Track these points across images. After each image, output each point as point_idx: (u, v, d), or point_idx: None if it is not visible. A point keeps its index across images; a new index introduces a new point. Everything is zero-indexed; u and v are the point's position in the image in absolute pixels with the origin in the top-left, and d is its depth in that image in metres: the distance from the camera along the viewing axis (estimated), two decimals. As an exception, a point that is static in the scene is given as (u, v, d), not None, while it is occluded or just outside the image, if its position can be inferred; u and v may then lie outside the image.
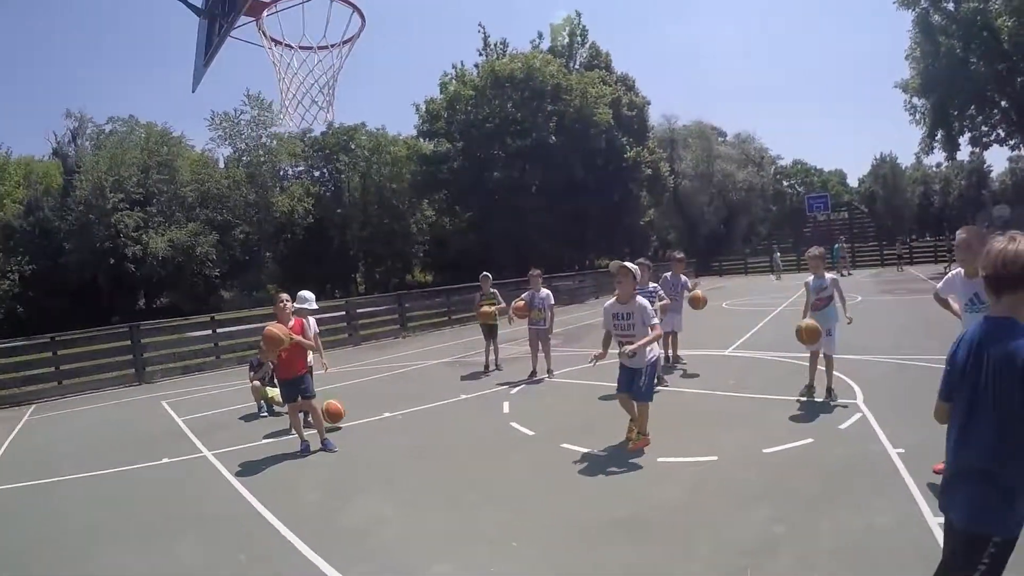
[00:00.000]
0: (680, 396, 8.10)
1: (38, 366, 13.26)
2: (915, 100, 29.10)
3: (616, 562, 3.98)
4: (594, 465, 5.76)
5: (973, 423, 2.26)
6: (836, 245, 34.06)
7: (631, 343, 5.80)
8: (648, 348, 5.91)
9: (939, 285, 5.14)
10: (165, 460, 7.12)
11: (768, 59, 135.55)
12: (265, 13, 5.32)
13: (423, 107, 38.98)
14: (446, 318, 20.24)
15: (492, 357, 11.15)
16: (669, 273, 9.93)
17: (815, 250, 7.53)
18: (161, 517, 5.35)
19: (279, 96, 6.07)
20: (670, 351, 10.05)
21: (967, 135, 29.16)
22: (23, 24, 73.49)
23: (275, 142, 44.73)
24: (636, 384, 5.96)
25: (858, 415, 6.58)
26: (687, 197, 50.44)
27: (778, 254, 35.73)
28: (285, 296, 6.99)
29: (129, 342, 13.64)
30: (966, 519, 2.26)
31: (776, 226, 53.77)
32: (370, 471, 6.21)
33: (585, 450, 6.14)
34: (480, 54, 41.69)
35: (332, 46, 5.73)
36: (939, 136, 28.68)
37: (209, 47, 6.09)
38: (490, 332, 11.10)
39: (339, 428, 7.74)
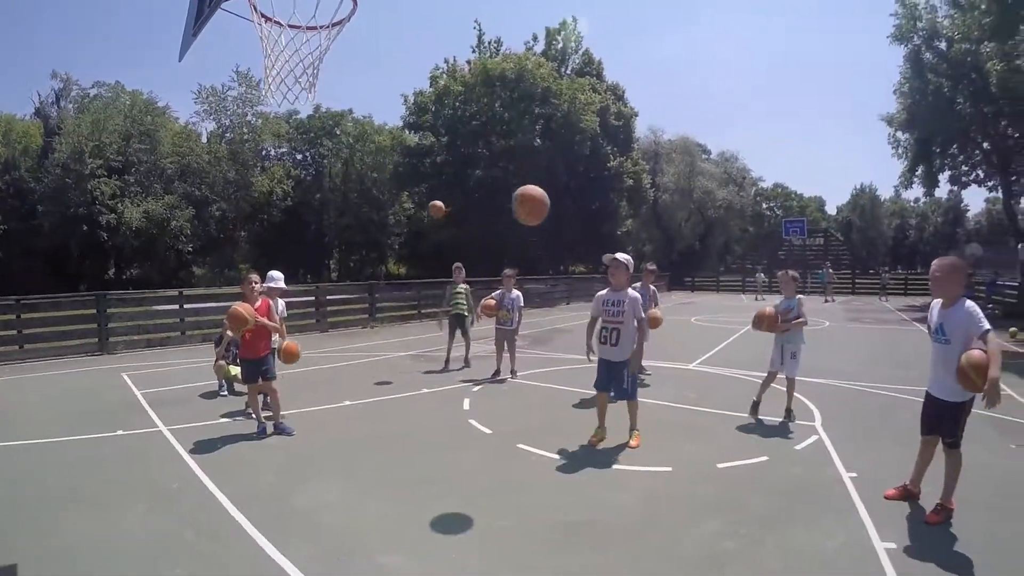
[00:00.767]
0: (640, 406, 8.05)
1: (1, 328, 12.89)
2: (899, 134, 29.46)
3: (564, 564, 3.93)
4: (548, 468, 5.71)
5: None
6: (821, 271, 34.51)
7: (618, 330, 6.04)
8: (632, 341, 6.11)
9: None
10: (120, 432, 6.93)
11: (758, 81, 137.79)
12: (258, -15, 5.18)
13: (411, 99, 38.66)
14: (415, 312, 20.10)
15: (456, 354, 11.01)
16: (639, 284, 9.92)
17: (788, 272, 7.58)
18: (111, 489, 5.22)
19: (263, 72, 5.94)
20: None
21: (947, 173, 29.63)
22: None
23: (260, 121, 44.05)
24: (619, 385, 6.16)
25: (814, 437, 6.60)
26: (666, 210, 50.76)
27: (761, 274, 35.97)
28: (255, 277, 6.94)
29: (95, 311, 13.31)
30: None
31: (752, 247, 54.31)
32: (325, 457, 6.10)
33: (541, 452, 6.09)
34: (473, 51, 41.46)
35: (321, 27, 5.62)
36: (920, 171, 29.02)
37: (199, 16, 5.92)
38: (458, 325, 10.93)
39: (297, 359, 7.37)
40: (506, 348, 10.03)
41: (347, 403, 8.33)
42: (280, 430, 6.81)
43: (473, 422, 7.29)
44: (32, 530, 4.46)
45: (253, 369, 6.81)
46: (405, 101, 38.81)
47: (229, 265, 43.17)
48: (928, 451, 4.78)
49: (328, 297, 18.46)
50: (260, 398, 7.03)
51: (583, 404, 8.15)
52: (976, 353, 4.14)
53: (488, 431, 6.93)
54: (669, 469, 5.60)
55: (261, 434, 6.72)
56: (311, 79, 5.97)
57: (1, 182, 36.80)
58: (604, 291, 6.38)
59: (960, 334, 4.34)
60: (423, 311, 20.10)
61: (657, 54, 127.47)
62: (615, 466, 5.69)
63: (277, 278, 7.70)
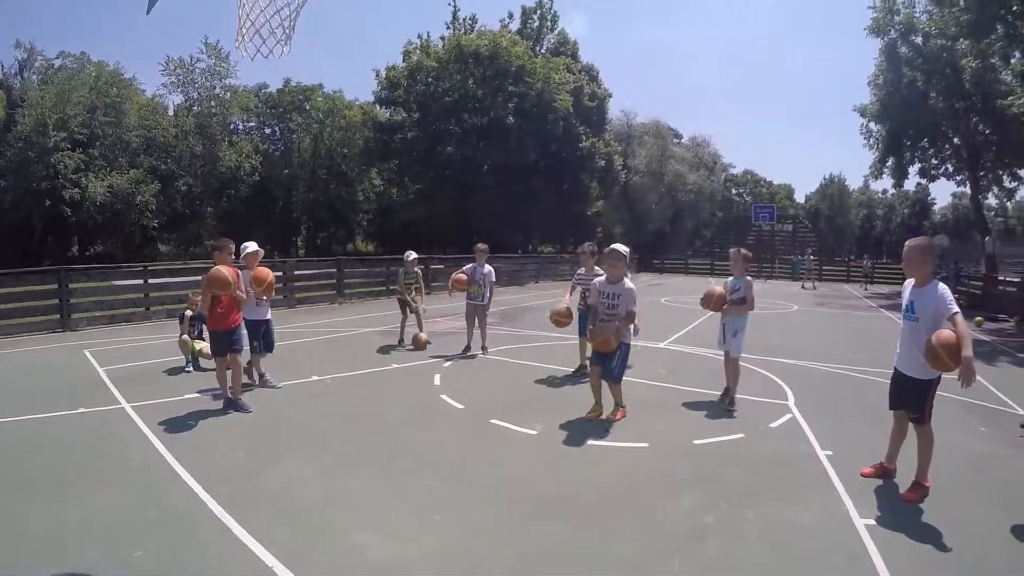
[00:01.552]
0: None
1: (-41, 304, 12.25)
2: (872, 125, 29.71)
3: (540, 540, 3.83)
4: (524, 443, 5.60)
5: None
6: (800, 256, 34.60)
7: (614, 321, 6.12)
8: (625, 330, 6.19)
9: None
10: (82, 409, 6.61)
11: (734, 68, 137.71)
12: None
13: (383, 73, 37.96)
14: (384, 288, 19.80)
15: (415, 331, 10.77)
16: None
17: (740, 251, 7.12)
18: (73, 468, 4.96)
19: (237, 21, 5.62)
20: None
21: (917, 166, 29.95)
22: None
23: (229, 94, 42.77)
24: (608, 365, 6.15)
25: (788, 416, 6.60)
26: (637, 193, 50.85)
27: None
28: (231, 243, 6.73)
29: (56, 286, 12.75)
30: None
31: (721, 232, 54.66)
32: (294, 434, 5.89)
33: (515, 428, 5.98)
34: (448, 27, 40.89)
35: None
36: (890, 163, 29.36)
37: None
38: (407, 306, 10.66)
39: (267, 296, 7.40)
40: (477, 324, 9.87)
41: (315, 378, 8.09)
42: (238, 406, 6.57)
43: (445, 397, 7.14)
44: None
45: (224, 341, 6.54)
46: (377, 76, 38.09)
47: (195, 242, 41.99)
48: (900, 427, 4.80)
49: (296, 272, 18.07)
50: (228, 374, 6.77)
51: (555, 381, 8.06)
52: (946, 333, 4.18)
53: (460, 406, 6.79)
54: (646, 445, 5.53)
55: (228, 408, 6.49)
56: (288, 31, 5.69)
57: (-38, 155, 35.19)
58: (601, 279, 6.43)
59: (930, 314, 4.38)
60: (391, 287, 19.81)
61: (632, 37, 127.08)
62: (590, 441, 5.60)
63: (253, 247, 7.55)
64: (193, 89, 41.95)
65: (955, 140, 28.09)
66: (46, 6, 74.06)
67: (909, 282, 4.69)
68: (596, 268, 8.07)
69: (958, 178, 30.48)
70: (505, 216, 35.12)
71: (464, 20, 40.75)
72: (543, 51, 40.58)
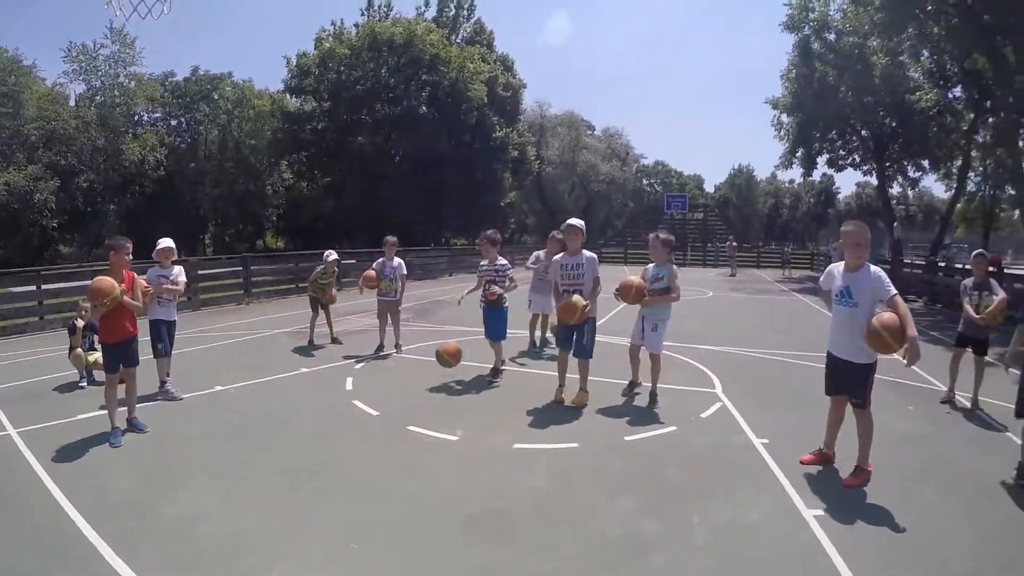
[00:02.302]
0: (534, 379, 7.65)
1: None
2: (783, 117, 31.22)
3: (474, 559, 3.44)
4: (444, 451, 5.14)
5: None
6: (721, 245, 35.12)
7: (580, 291, 6.10)
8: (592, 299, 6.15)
9: (821, 279, 4.89)
10: (-46, 436, 5.65)
11: (645, 61, 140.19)
12: None
13: (294, 60, 36.39)
14: (293, 285, 18.81)
15: (328, 331, 10.19)
16: (543, 252, 9.48)
17: (659, 236, 6.61)
18: None
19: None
20: (537, 333, 9.73)
21: (826, 156, 31.60)
22: None
23: (134, 83, 39.81)
24: (579, 342, 6.16)
25: (718, 404, 6.42)
26: (550, 183, 51.07)
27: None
28: (127, 241, 5.88)
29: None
30: None
31: (633, 221, 55.51)
32: (194, 455, 5.17)
33: (435, 434, 5.50)
34: (362, 14, 39.59)
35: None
36: (800, 153, 30.84)
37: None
38: (319, 304, 10.14)
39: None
40: (390, 321, 9.30)
41: (218, 388, 7.32)
42: (133, 425, 5.78)
43: (358, 403, 6.56)
44: None
45: (116, 354, 5.70)
46: (288, 63, 36.51)
47: (97, 242, 38.96)
48: (837, 412, 4.68)
49: (200, 272, 16.85)
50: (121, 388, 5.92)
51: (474, 380, 7.57)
52: (887, 316, 4.10)
53: (375, 412, 6.24)
54: (576, 445, 5.17)
55: (117, 437, 5.59)
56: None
57: None
58: (560, 255, 6.41)
59: (868, 298, 4.27)
60: (301, 284, 18.85)
61: (549, 27, 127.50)
62: (517, 445, 5.19)
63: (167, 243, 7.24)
64: (96, 77, 38.84)
65: (863, 132, 29.55)
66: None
67: (835, 266, 4.57)
68: (498, 257, 7.65)
69: (865, 168, 32.13)
70: (416, 207, 34.37)
71: (379, 7, 39.55)
72: (459, 40, 39.94)
